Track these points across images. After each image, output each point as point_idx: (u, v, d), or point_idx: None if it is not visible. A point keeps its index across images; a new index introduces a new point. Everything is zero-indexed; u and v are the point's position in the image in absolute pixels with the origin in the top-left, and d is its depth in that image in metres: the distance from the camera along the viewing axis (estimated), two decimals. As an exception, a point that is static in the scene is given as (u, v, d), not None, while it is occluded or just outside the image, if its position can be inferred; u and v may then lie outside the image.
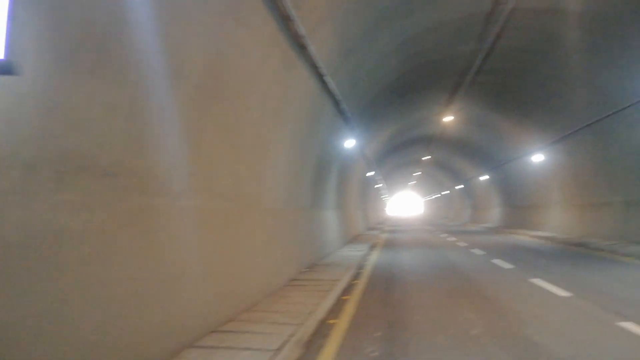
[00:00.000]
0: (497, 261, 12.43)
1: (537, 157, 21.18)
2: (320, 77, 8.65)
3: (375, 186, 40.70)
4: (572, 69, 14.13)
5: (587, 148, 17.24)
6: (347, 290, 8.38)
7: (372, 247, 18.00)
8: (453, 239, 22.03)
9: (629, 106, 13.07)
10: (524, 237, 21.92)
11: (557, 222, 21.58)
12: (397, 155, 35.02)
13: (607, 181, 16.46)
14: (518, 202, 28.07)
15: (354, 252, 14.24)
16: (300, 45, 7.15)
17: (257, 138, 6.91)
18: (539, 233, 21.67)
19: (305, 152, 10.09)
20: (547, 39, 12.97)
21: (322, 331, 5.56)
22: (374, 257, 14.05)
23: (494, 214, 34.98)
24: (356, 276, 10.11)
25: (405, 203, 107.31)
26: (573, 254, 14.11)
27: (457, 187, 46.68)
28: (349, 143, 15.14)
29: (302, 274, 9.44)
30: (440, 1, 10.59)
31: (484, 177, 33.48)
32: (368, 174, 28.53)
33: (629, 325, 5.57)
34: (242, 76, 5.86)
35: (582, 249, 15.15)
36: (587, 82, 14.36)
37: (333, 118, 11.67)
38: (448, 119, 23.10)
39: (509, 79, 16.94)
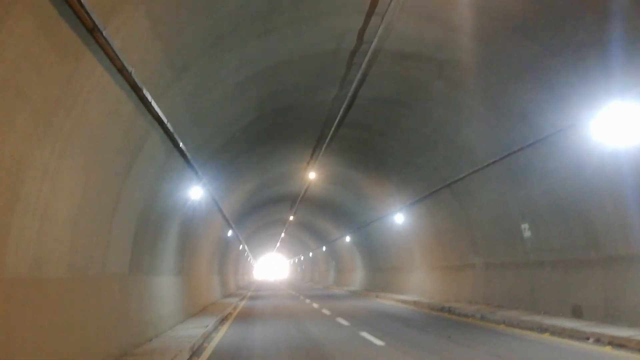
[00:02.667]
0: (365, 334, 10.51)
1: (398, 218, 20.66)
2: (134, 89, 6.17)
3: (240, 247, 37.75)
4: (434, 123, 13.63)
5: (448, 208, 16.91)
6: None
7: (223, 320, 15.04)
8: (316, 305, 20.00)
9: (486, 166, 12.75)
10: (389, 302, 20.79)
11: (420, 285, 20.93)
12: (260, 214, 32.86)
13: (469, 242, 16.09)
14: (381, 265, 27.46)
15: (194, 330, 11.24)
16: (88, 29, 4.68)
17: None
18: (403, 297, 20.75)
19: (115, 195, 7.27)
20: (411, 89, 12.24)
21: None
22: (219, 336, 11.21)
23: (358, 276, 34.20)
24: (183, 371, 7.28)
25: (272, 266, 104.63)
26: (443, 322, 12.87)
27: (321, 249, 45.77)
28: (195, 193, 12.52)
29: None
30: (302, 27, 9.01)
31: (347, 239, 32.80)
32: (228, 234, 25.74)
33: None
34: None
35: (451, 316, 14.09)
36: (448, 138, 13.97)
37: (166, 156, 9.09)
38: (312, 175, 21.84)
39: (371, 133, 16.15)
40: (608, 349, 7.77)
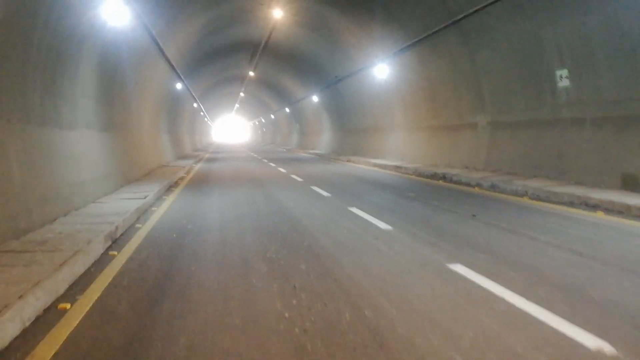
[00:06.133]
0: (358, 212, 7.92)
1: (381, 70, 17.28)
2: None
3: (194, 105, 33.88)
4: None
5: (450, 54, 13.64)
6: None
7: (171, 187, 12.17)
8: (283, 170, 17.40)
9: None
10: (364, 166, 18.44)
11: (400, 148, 18.47)
12: (216, 67, 28.53)
13: (473, 96, 13.19)
14: (354, 126, 24.72)
15: (126, 203, 8.31)
16: None
17: None
18: (380, 161, 18.38)
19: None
20: None
21: None
22: (161, 212, 8.36)
23: (324, 139, 31.69)
24: (85, 280, 4.41)
25: (231, 128, 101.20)
26: (445, 192, 10.48)
27: (285, 110, 42.44)
28: (115, 13, 8.61)
29: None
30: None
31: (315, 99, 29.46)
32: (177, 86, 21.82)
33: None
34: None
35: (451, 184, 11.73)
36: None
37: None
38: (277, 14, 17.61)
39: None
40: None
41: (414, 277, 4.33)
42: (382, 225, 6.68)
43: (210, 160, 25.96)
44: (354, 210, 8.00)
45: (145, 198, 8.99)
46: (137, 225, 7.12)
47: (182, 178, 14.73)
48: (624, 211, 7.00)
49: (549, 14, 9.51)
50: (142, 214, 8.04)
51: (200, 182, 13.66)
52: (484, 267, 4.53)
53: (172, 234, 6.50)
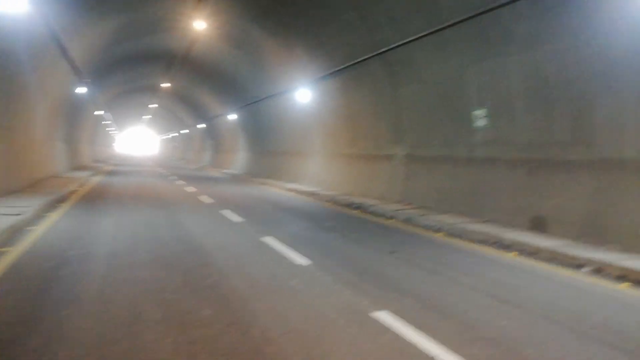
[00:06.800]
0: (273, 242, 7.27)
1: (303, 95, 17.01)
2: None
3: (99, 112, 31.30)
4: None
5: (373, 84, 13.67)
6: None
7: (58, 202, 10.65)
8: (192, 189, 16.27)
9: (447, 26, 9.49)
10: (279, 190, 17.86)
11: (317, 174, 18.18)
12: (127, 75, 26.65)
13: (392, 128, 13.25)
14: (271, 148, 24.13)
15: (-7, 221, 6.93)
16: None
17: None
18: (296, 186, 17.93)
19: None
20: None
21: None
22: (39, 233, 7.08)
23: (239, 159, 30.72)
24: None
25: (140, 140, 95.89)
26: (362, 224, 10.17)
27: (199, 126, 40.80)
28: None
29: None
30: None
31: (233, 117, 28.54)
32: (79, 90, 19.82)
33: None
34: None
35: (366, 215, 11.48)
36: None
37: None
38: (200, 25, 16.71)
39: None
40: (624, 287, 5.52)
41: (337, 329, 3.76)
42: (300, 259, 6.09)
43: (111, 173, 23.88)
44: (269, 240, 7.34)
45: (19, 215, 7.61)
46: (3, 249, 5.86)
47: (73, 192, 13.09)
48: (536, 253, 7.06)
49: (472, 54, 9.76)
50: (13, 234, 6.73)
51: (94, 199, 12.18)
52: (411, 315, 4.09)
53: (47, 262, 5.39)
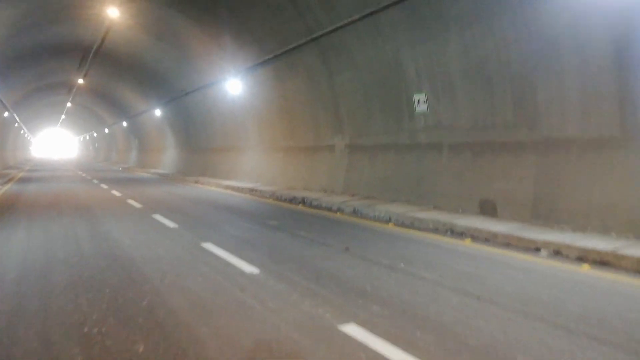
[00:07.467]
0: (214, 248, 6.54)
1: (233, 86, 16.15)
2: None
3: (6, 114, 28.33)
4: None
5: (308, 72, 13.11)
6: None
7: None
8: (117, 193, 14.93)
9: (383, 8, 9.18)
10: (215, 189, 16.90)
11: (254, 169, 17.40)
12: (36, 71, 24.21)
13: (330, 118, 12.79)
14: (202, 144, 22.94)
15: None
16: None
17: None
18: (233, 183, 17.06)
19: None
20: None
21: None
22: None
23: (168, 157, 29.11)
24: None
25: (56, 143, 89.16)
26: (308, 219, 9.64)
27: (122, 124, 38.29)
28: None
29: None
30: None
31: (158, 112, 26.88)
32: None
33: None
34: None
35: (312, 210, 10.96)
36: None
37: None
38: (113, 13, 15.33)
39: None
40: (586, 269, 5.39)
41: (304, 353, 3.18)
42: (247, 267, 5.43)
43: (24, 180, 21.61)
44: (209, 246, 6.60)
45: None
46: None
47: (-23, 205, 11.45)
48: (490, 239, 6.88)
49: (408, 38, 9.45)
50: None
51: (2, 211, 10.70)
52: (383, 327, 3.60)
53: None
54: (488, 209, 8.17)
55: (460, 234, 7.34)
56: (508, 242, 6.63)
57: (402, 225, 8.37)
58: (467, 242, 6.92)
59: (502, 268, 5.47)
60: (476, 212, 8.35)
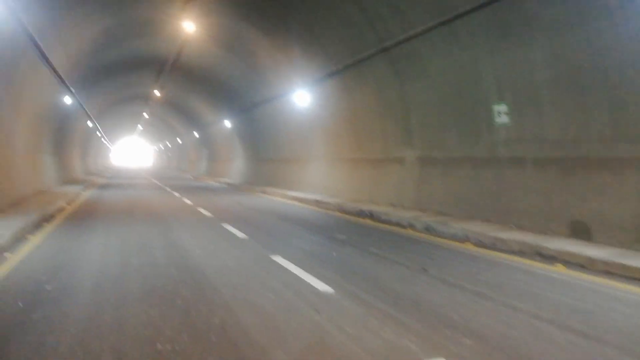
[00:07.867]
0: (285, 263, 6.35)
1: (301, 98, 16.13)
2: None
3: (89, 124, 30.28)
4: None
5: (377, 82, 12.79)
6: None
7: (43, 221, 9.68)
8: (189, 201, 15.31)
9: (458, 16, 8.70)
10: (281, 199, 16.93)
11: (320, 181, 17.25)
12: (117, 84, 25.71)
13: (400, 129, 12.36)
14: (269, 155, 23.20)
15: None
16: None
17: None
18: (299, 194, 17.01)
19: None
20: None
21: None
22: (18, 259, 6.11)
23: (236, 167, 29.76)
24: None
25: (133, 151, 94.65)
26: (378, 234, 9.27)
27: (193, 135, 39.83)
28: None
29: None
30: None
31: (227, 124, 27.61)
32: (66, 101, 18.85)
33: None
34: None
35: (380, 224, 10.58)
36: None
37: None
38: (189, 27, 15.85)
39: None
40: None
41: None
42: (320, 285, 5.16)
43: (104, 187, 22.87)
44: (279, 260, 6.41)
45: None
46: (-35, 287, 4.91)
47: (61, 209, 12.11)
48: (587, 265, 6.17)
49: (488, 46, 8.90)
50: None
51: (84, 216, 11.21)
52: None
53: (19, 301, 4.45)
54: (580, 232, 7.39)
55: (551, 258, 6.66)
56: (608, 270, 5.90)
57: (482, 245, 7.78)
58: (560, 267, 6.25)
59: (606, 300, 4.82)
60: (565, 234, 7.59)
